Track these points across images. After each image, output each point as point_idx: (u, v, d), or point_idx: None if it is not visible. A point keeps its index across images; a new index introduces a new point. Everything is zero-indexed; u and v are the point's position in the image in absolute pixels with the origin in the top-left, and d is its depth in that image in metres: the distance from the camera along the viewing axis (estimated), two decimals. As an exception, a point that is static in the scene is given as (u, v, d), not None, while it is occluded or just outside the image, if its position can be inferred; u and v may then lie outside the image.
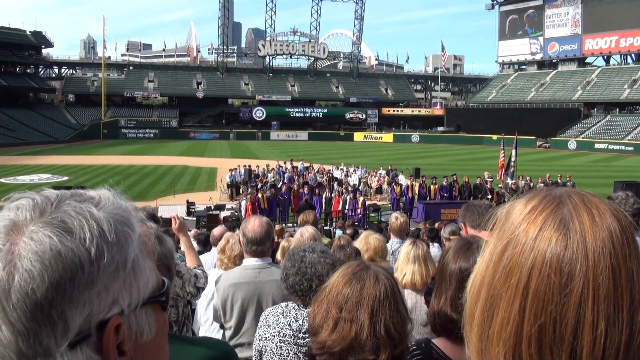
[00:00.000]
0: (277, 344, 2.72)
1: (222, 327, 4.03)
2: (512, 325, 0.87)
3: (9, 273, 0.77)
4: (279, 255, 5.93)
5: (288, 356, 2.67)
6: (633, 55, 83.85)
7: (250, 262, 3.89)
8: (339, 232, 13.20)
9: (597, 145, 67.59)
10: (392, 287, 2.07)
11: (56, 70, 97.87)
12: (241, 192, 30.90)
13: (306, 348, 2.17)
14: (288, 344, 2.70)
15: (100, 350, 0.82)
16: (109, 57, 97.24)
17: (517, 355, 0.88)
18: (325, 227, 19.38)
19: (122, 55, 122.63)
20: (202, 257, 6.24)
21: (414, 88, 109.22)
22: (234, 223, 13.01)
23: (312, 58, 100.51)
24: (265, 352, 2.75)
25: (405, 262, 4.12)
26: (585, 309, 0.83)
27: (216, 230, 7.85)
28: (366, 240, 5.13)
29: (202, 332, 4.67)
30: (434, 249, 7.73)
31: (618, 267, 0.84)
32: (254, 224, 3.85)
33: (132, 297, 0.86)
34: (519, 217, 0.92)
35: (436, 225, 13.16)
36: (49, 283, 0.76)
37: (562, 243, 0.86)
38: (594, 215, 0.88)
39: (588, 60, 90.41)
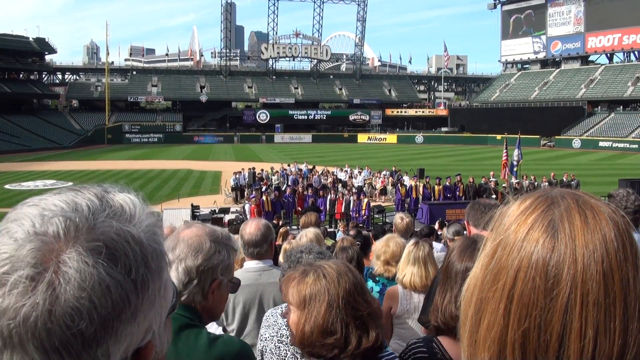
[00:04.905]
0: (276, 344, 2.73)
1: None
2: (497, 329, 0.84)
3: (50, 311, 0.67)
4: (281, 258, 5.92)
5: (286, 357, 2.67)
6: (636, 53, 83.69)
7: (251, 264, 3.89)
8: (340, 234, 13.18)
9: (601, 144, 67.50)
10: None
11: (60, 76, 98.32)
12: (245, 195, 30.90)
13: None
14: (285, 344, 2.70)
15: None
16: (112, 63, 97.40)
17: None
18: (330, 229, 19.36)
19: (125, 60, 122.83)
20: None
21: (417, 89, 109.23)
22: (238, 226, 12.97)
23: (315, 60, 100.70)
24: (265, 352, 2.75)
25: (405, 262, 4.12)
26: (572, 315, 0.78)
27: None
28: (386, 243, 5.09)
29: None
30: (437, 249, 7.70)
31: (611, 273, 0.79)
32: (251, 227, 3.86)
33: (162, 317, 0.82)
34: (511, 218, 0.89)
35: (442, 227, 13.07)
36: (98, 323, 0.70)
37: (550, 245, 0.82)
38: (587, 218, 0.83)
39: (591, 58, 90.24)
